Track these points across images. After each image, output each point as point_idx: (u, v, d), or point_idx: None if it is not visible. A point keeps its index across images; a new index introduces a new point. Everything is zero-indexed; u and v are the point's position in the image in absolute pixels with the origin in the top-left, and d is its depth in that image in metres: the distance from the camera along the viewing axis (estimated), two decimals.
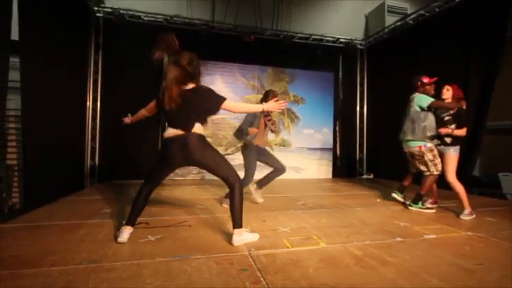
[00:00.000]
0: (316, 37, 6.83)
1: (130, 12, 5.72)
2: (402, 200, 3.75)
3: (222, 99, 2.25)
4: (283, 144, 6.87)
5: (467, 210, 3.16)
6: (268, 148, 3.90)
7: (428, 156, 3.34)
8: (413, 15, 5.95)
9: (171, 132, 2.22)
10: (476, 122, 4.39)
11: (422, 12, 5.71)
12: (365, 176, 7.24)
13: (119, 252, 2.05)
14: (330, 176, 7.09)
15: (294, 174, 6.80)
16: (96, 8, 5.60)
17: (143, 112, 2.51)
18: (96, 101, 5.72)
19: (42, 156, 3.69)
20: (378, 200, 4.15)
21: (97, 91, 5.72)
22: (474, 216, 3.14)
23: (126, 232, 2.26)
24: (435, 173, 3.34)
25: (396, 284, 1.66)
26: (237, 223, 2.25)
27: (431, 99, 3.34)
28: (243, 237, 2.25)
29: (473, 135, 4.28)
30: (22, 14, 3.33)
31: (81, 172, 5.33)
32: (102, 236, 2.38)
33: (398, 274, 1.77)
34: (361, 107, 7.49)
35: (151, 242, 2.27)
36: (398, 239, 2.44)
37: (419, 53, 5.71)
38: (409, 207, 3.51)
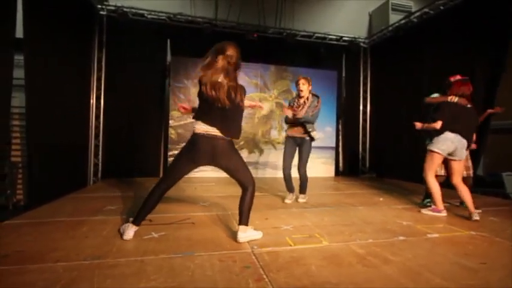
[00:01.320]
0: (320, 35, 6.81)
1: (133, 10, 5.73)
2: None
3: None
4: None
5: (434, 206, 3.22)
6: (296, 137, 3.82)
7: None
8: (417, 13, 5.91)
9: (205, 129, 2.15)
10: (480, 122, 4.36)
11: (426, 10, 5.67)
12: (368, 175, 7.23)
13: (123, 248, 2.07)
14: (332, 174, 7.08)
15: (296, 172, 6.77)
16: (99, 6, 5.62)
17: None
18: (100, 98, 5.74)
19: (46, 153, 3.71)
20: (381, 199, 4.14)
21: (100, 89, 5.74)
22: (440, 215, 3.14)
23: (131, 230, 2.26)
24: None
25: (399, 282, 1.66)
26: (244, 221, 2.26)
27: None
28: (247, 234, 2.27)
29: (478, 134, 4.25)
30: (26, 12, 3.35)
31: (85, 169, 5.36)
32: (106, 233, 2.39)
33: (400, 273, 1.77)
34: (365, 106, 7.47)
35: (155, 238, 2.28)
36: (401, 237, 2.43)
37: (424, 52, 5.68)
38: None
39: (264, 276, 1.69)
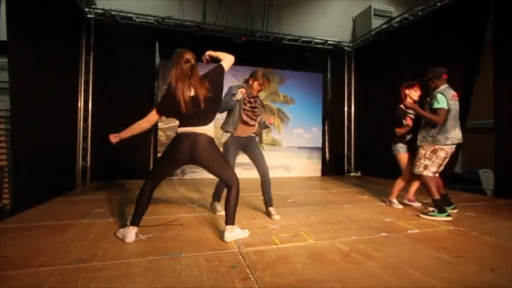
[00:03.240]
0: (305, 39, 6.93)
1: (121, 14, 5.69)
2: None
3: (221, 67, 2.52)
4: (274, 143, 6.94)
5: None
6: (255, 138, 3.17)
7: None
8: (398, 19, 6.10)
9: (186, 129, 2.26)
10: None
11: (406, 15, 5.87)
12: (353, 174, 7.37)
13: (109, 251, 2.06)
14: (319, 174, 7.19)
15: (284, 172, 6.89)
16: (87, 9, 5.56)
17: (143, 125, 2.29)
18: (88, 101, 5.67)
19: (32, 157, 3.63)
20: (365, 197, 4.24)
21: (88, 92, 5.67)
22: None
23: (132, 232, 2.26)
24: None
25: (381, 278, 1.71)
26: (230, 220, 2.30)
27: None
28: (234, 233, 2.31)
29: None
30: (10, 14, 3.28)
31: (73, 172, 5.27)
32: (92, 236, 2.38)
33: (383, 268, 1.83)
34: (349, 107, 7.63)
35: (142, 240, 2.28)
36: (384, 234, 2.51)
37: (404, 55, 5.88)
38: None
39: (250, 276, 1.72)
